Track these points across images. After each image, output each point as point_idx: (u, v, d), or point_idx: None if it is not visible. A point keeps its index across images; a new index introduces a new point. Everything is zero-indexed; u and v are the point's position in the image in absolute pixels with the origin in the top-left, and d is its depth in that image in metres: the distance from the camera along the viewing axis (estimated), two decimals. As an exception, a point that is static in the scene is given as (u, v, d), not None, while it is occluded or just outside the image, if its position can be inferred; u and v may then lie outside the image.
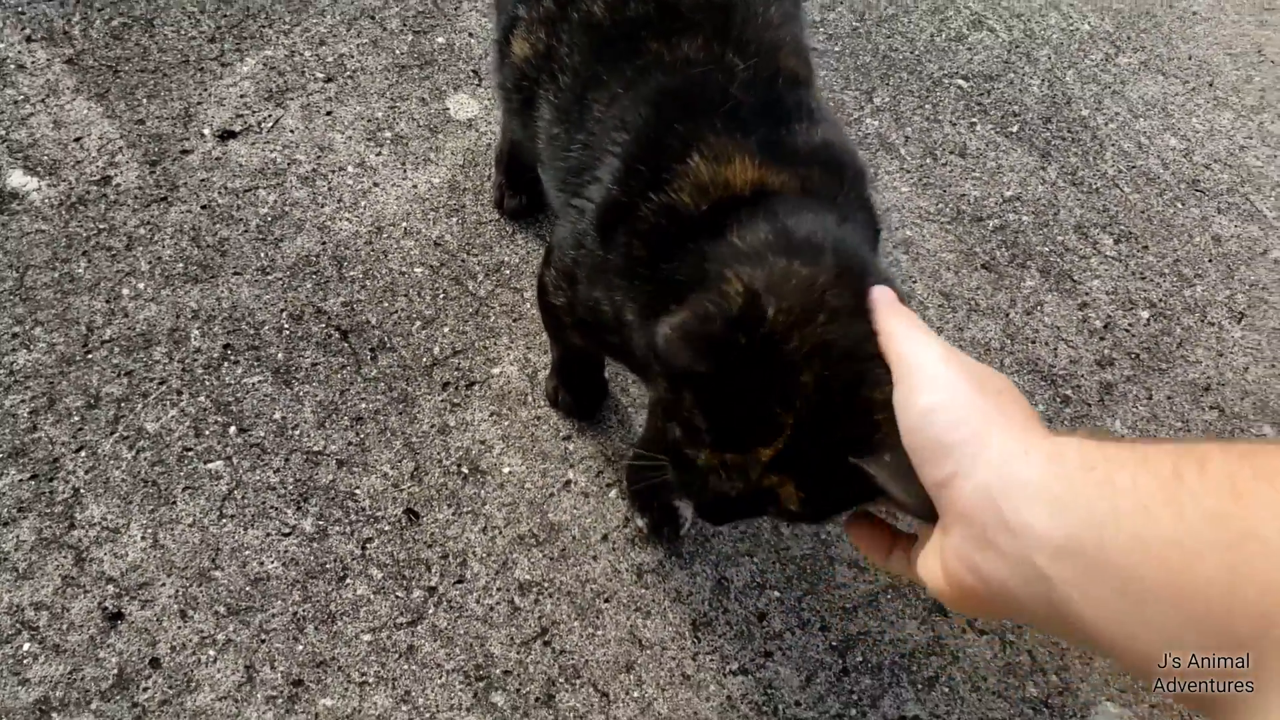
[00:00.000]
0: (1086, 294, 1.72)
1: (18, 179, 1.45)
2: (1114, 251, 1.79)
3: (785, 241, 0.82)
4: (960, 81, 2.04)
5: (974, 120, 1.97)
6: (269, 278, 1.45)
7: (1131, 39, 2.26)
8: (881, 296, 0.77)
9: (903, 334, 0.71)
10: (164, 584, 1.19)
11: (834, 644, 1.29)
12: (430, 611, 1.23)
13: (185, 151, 1.54)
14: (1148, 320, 1.70)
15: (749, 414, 0.76)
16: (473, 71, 1.78)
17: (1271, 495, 0.45)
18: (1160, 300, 1.74)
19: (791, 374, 0.75)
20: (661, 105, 0.98)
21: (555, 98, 1.11)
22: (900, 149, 1.88)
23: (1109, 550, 0.49)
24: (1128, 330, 1.68)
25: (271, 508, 1.26)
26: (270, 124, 1.61)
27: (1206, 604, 0.45)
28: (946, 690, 1.29)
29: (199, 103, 1.60)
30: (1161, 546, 0.47)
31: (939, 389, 0.63)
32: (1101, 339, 1.66)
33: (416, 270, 1.51)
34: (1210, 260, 1.83)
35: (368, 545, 1.26)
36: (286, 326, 1.41)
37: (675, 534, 1.34)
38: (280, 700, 1.13)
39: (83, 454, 1.25)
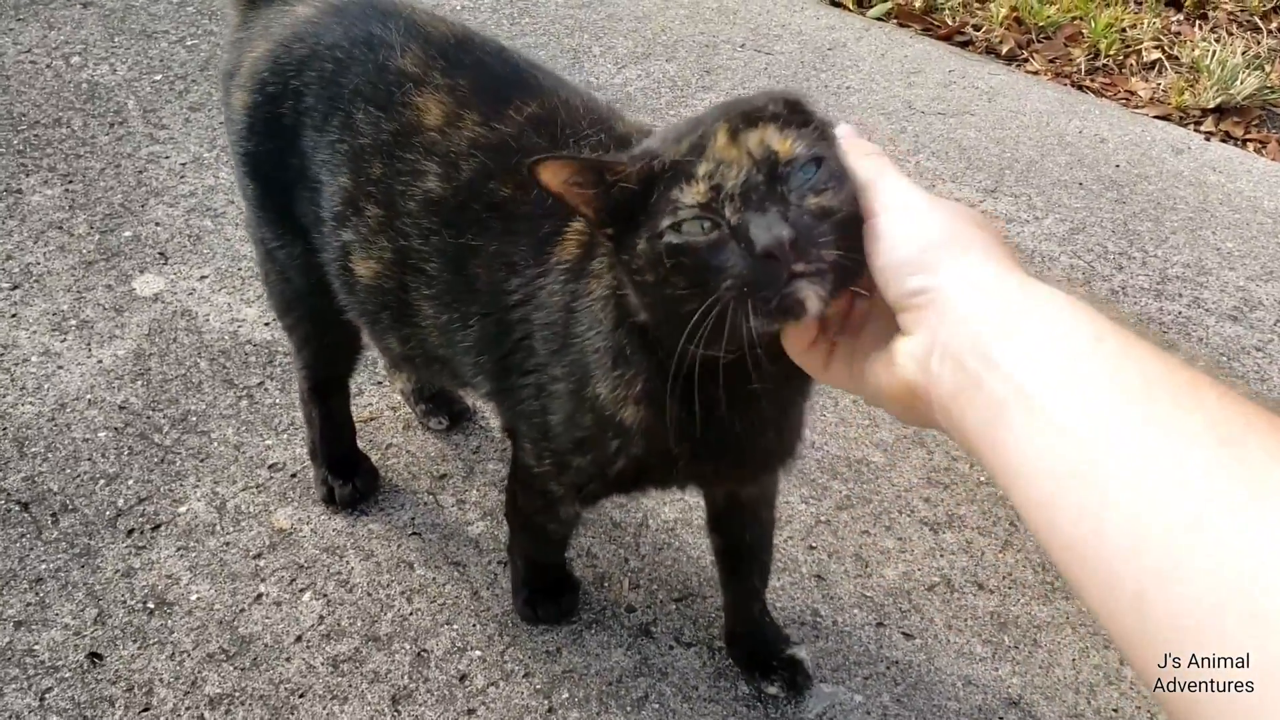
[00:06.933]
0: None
1: None
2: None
3: None
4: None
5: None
6: (-54, 473, 1.47)
7: (792, 118, 2.50)
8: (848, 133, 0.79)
9: (877, 171, 0.72)
10: None
11: (538, 688, 1.31)
12: (110, 744, 1.21)
13: None
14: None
15: None
16: (159, 254, 1.87)
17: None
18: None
19: None
20: None
21: (430, 288, 1.11)
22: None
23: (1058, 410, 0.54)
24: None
25: (-59, 683, 1.24)
26: (-48, 338, 1.66)
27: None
28: (657, 706, 1.30)
29: (-123, 330, 1.64)
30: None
31: (917, 212, 0.67)
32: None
33: (100, 435, 1.54)
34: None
35: (46, 695, 1.24)
36: (-37, 512, 1.42)
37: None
38: None
39: None
